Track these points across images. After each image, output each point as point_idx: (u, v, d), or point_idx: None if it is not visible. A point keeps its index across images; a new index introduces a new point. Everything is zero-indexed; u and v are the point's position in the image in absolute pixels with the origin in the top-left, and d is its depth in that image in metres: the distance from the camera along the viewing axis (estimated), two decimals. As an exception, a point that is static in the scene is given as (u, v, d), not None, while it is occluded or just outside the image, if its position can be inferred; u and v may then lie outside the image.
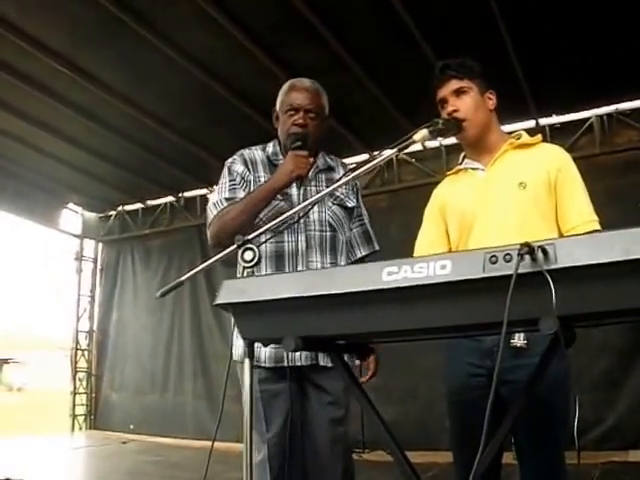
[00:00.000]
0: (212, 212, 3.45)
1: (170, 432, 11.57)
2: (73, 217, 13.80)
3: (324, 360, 3.31)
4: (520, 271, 1.68)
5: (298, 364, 3.32)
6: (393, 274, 1.88)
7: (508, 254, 1.74)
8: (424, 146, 9.83)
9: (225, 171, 3.57)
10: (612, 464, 7.41)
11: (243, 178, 3.50)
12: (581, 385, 8.13)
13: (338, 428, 3.41)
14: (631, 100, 8.90)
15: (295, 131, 3.45)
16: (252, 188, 3.46)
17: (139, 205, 13.35)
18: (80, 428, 13.24)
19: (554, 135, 9.20)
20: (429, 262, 1.85)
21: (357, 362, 3.55)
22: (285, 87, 3.64)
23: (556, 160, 3.08)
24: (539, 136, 3.19)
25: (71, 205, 13.45)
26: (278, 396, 3.32)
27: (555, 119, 9.36)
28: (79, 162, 10.64)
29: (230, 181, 3.51)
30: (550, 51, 7.27)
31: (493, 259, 1.76)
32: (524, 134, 3.19)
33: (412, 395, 8.97)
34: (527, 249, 1.69)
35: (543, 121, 9.36)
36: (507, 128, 8.45)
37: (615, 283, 1.64)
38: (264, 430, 3.29)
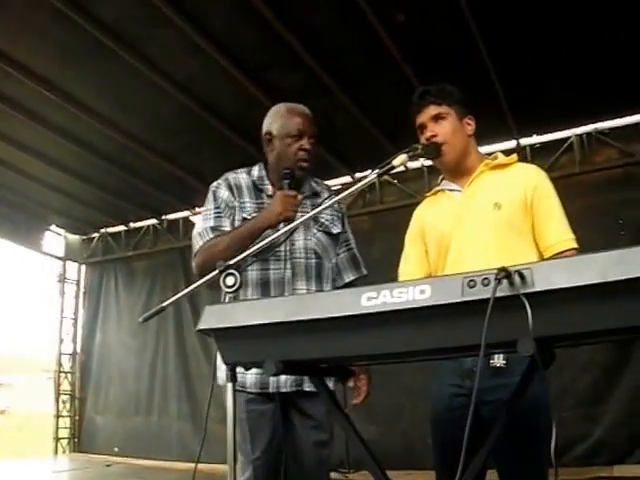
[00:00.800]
0: (197, 242, 3.45)
1: (154, 454, 11.51)
2: (56, 239, 13.76)
3: (309, 386, 3.33)
4: (497, 295, 1.72)
5: (283, 390, 3.34)
6: (372, 299, 1.91)
7: (486, 278, 1.77)
8: (406, 167, 9.79)
9: (210, 197, 3.56)
10: (598, 479, 7.43)
11: (227, 205, 3.50)
12: (566, 401, 8.25)
13: (323, 451, 3.45)
14: (610, 119, 9.00)
15: (302, 157, 3.47)
16: (237, 215, 3.48)
17: (122, 227, 13.31)
18: (64, 451, 13.11)
19: (534, 155, 9.31)
20: (408, 287, 1.88)
21: (350, 384, 3.59)
22: (283, 110, 3.62)
23: (532, 179, 3.12)
24: (514, 156, 3.24)
25: (54, 227, 13.41)
26: (263, 417, 3.35)
27: (535, 139, 9.46)
28: (62, 184, 10.63)
29: (215, 208, 3.51)
30: (530, 72, 7.35)
31: (471, 283, 1.79)
32: (500, 155, 3.24)
33: (397, 414, 8.98)
34: (504, 273, 1.73)
35: (524, 141, 9.44)
36: (488, 149, 8.61)
37: (591, 305, 1.68)
38: (249, 451, 3.30)
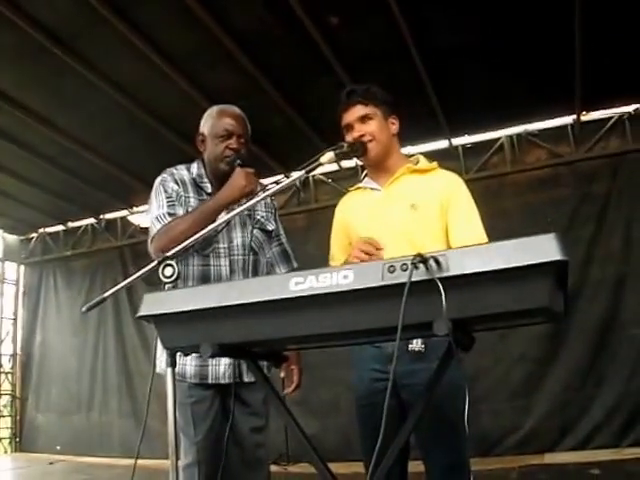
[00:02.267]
0: (155, 226, 3.49)
1: (97, 452, 11.48)
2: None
3: (247, 377, 3.48)
4: (414, 279, 1.84)
5: (222, 382, 3.47)
6: (299, 284, 2.02)
7: (405, 264, 1.89)
8: (340, 166, 10.01)
9: (160, 188, 3.62)
10: (529, 467, 7.64)
11: (178, 195, 3.58)
12: (500, 394, 8.46)
13: (259, 436, 3.59)
14: (538, 121, 9.26)
15: (229, 154, 3.56)
16: (185, 209, 3.55)
17: (61, 227, 13.21)
18: (5, 451, 12.97)
19: (467, 154, 9.54)
20: (332, 272, 2.01)
21: (281, 375, 3.74)
22: (214, 112, 3.74)
23: (449, 185, 3.25)
24: (435, 163, 3.38)
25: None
26: (205, 401, 3.45)
27: (467, 139, 9.64)
28: (0, 185, 10.54)
29: (167, 198, 3.56)
30: (461, 75, 7.56)
31: (391, 269, 1.92)
32: (422, 159, 3.37)
33: (334, 408, 9.08)
34: (421, 259, 1.85)
35: (456, 141, 9.61)
36: (421, 148, 8.81)
37: (500, 288, 1.82)
38: (192, 434, 3.40)
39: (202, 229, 2.90)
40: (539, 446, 8.31)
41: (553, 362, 8.49)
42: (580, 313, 8.15)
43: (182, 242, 2.76)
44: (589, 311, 8.31)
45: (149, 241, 3.51)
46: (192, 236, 2.83)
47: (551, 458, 7.98)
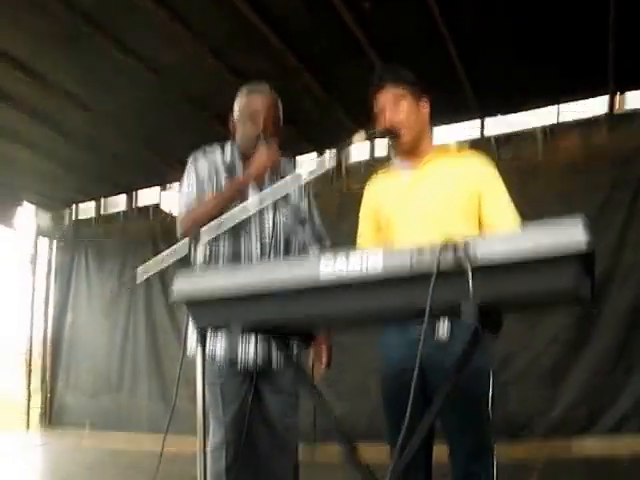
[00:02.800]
0: (182, 207, 3.57)
1: (125, 430, 11.51)
2: (27, 217, 13.65)
3: (277, 363, 3.52)
4: (442, 265, 1.87)
5: (251, 368, 3.51)
6: (329, 266, 2.04)
7: (434, 250, 1.90)
8: (373, 158, 10.04)
9: (191, 167, 3.68)
10: (554, 460, 7.64)
11: (209, 174, 3.63)
12: (529, 378, 8.42)
13: (289, 419, 3.63)
14: (572, 101, 9.14)
15: (256, 133, 3.59)
16: (215, 188, 3.60)
17: (94, 206, 13.30)
18: (35, 427, 13.14)
19: (499, 144, 9.46)
20: (362, 255, 2.02)
21: (311, 354, 3.76)
22: (242, 92, 3.78)
23: (481, 169, 3.26)
24: (466, 147, 3.39)
25: (25, 204, 13.32)
26: (235, 382, 3.49)
27: (499, 127, 9.57)
28: (34, 163, 10.61)
29: (197, 177, 3.62)
30: (492, 54, 7.52)
31: (420, 254, 1.93)
32: (452, 144, 3.39)
33: (364, 390, 9.09)
34: (449, 244, 1.87)
35: (487, 131, 9.56)
36: (453, 130, 8.72)
37: (526, 274, 1.82)
38: (221, 414, 3.44)
39: (227, 209, 2.99)
40: (566, 432, 8.23)
41: (583, 347, 8.39)
42: (612, 298, 8.08)
43: (206, 223, 2.81)
44: (621, 296, 8.19)
45: (177, 221, 3.58)
46: (217, 217, 2.90)
47: (578, 446, 7.93)
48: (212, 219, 2.93)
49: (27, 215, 13.58)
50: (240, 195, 3.42)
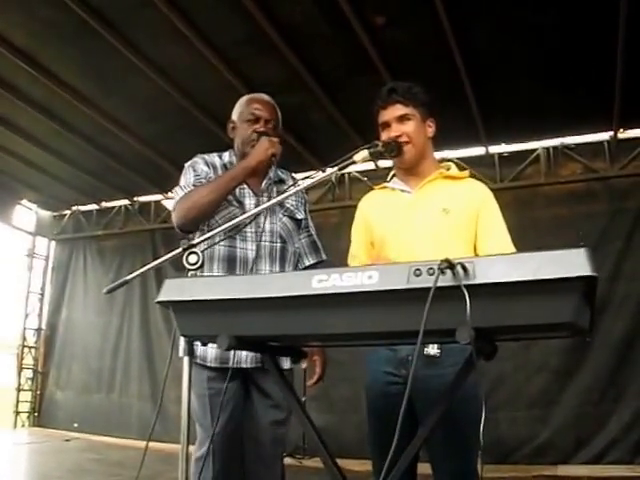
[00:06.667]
0: (179, 194, 3.56)
1: (114, 432, 11.52)
2: (27, 214, 13.70)
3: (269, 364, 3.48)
4: (440, 284, 1.80)
5: (243, 366, 3.46)
6: (323, 281, 1.99)
7: (431, 268, 1.85)
8: (377, 165, 10.04)
9: (189, 168, 3.67)
10: (542, 477, 7.71)
11: (207, 176, 3.61)
12: (519, 402, 8.48)
13: (279, 430, 3.57)
14: (576, 135, 9.28)
15: (256, 137, 3.60)
16: None
17: (94, 206, 13.29)
18: (23, 425, 13.05)
19: (502, 163, 9.53)
20: (357, 272, 1.96)
21: (303, 365, 3.73)
22: (244, 99, 3.82)
23: (480, 194, 3.24)
24: (467, 172, 3.36)
25: (25, 202, 13.35)
26: (224, 394, 3.44)
27: (503, 148, 9.65)
28: (36, 160, 10.62)
29: (195, 176, 3.61)
30: (501, 83, 7.58)
31: (417, 272, 1.88)
32: (453, 166, 3.35)
33: (353, 405, 9.06)
34: (448, 264, 1.81)
35: (492, 149, 9.62)
36: (458, 153, 8.81)
37: (526, 300, 1.78)
38: (209, 426, 3.37)
39: (224, 195, 3.10)
40: (554, 457, 8.36)
41: (573, 374, 8.55)
42: (604, 328, 8.16)
43: (204, 208, 2.97)
44: (613, 326, 8.35)
45: (172, 209, 3.56)
46: (215, 201, 3.02)
47: (565, 470, 8.01)
48: (207, 207, 3.07)
49: (26, 213, 13.64)
50: (237, 185, 3.48)
